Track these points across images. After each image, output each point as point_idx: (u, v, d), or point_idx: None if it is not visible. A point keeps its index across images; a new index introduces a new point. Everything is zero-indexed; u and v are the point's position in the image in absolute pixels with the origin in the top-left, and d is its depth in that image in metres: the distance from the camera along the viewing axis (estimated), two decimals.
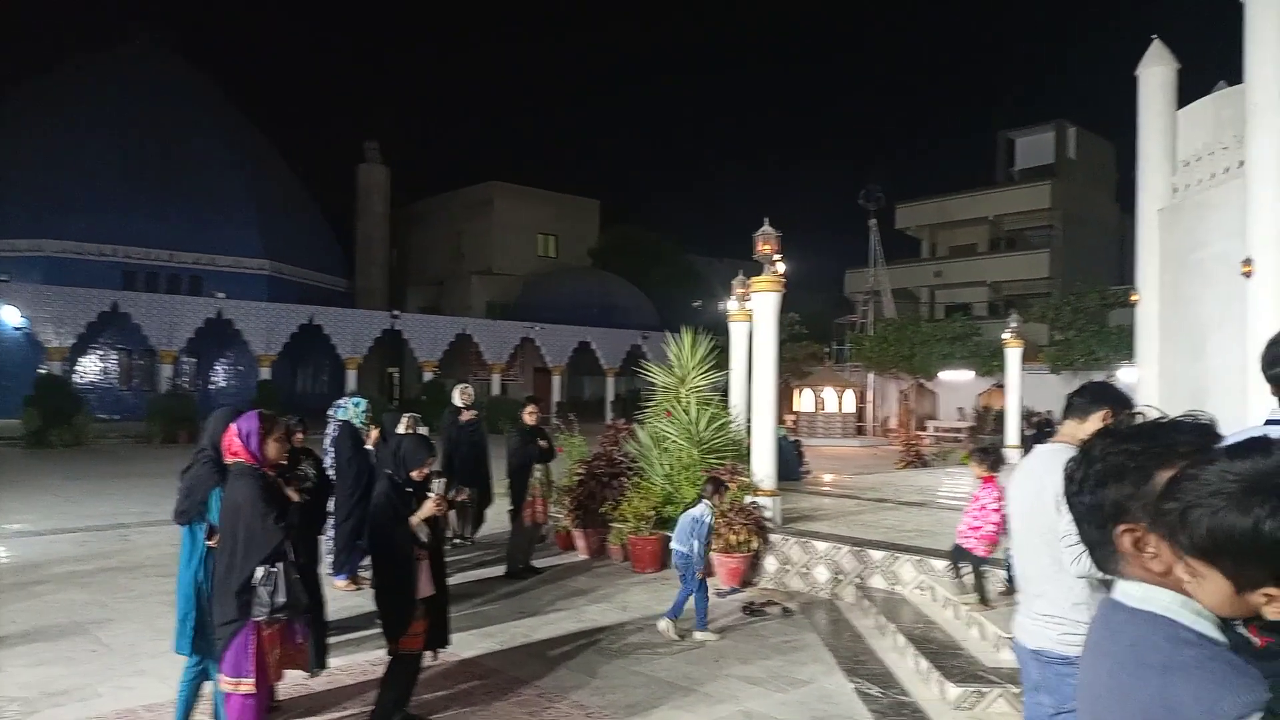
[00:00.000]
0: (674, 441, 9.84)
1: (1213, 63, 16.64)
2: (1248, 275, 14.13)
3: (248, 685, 4.05)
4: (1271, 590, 1.14)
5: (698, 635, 6.62)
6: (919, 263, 42.79)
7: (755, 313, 9.57)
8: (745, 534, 8.26)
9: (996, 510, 6.29)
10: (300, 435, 6.12)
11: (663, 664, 6.05)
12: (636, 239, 46.15)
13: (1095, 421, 3.01)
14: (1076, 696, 1.44)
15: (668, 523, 8.43)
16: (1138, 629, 1.28)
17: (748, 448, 9.54)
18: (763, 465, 9.11)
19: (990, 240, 41.45)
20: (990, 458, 6.69)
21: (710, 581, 7.48)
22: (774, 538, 8.56)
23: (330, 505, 6.57)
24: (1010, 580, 6.80)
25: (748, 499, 8.70)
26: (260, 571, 4.02)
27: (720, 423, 10.24)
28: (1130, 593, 1.32)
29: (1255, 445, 1.19)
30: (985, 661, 5.77)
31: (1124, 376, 24.34)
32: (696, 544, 6.74)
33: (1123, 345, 21.93)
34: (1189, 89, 17.76)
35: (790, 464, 12.74)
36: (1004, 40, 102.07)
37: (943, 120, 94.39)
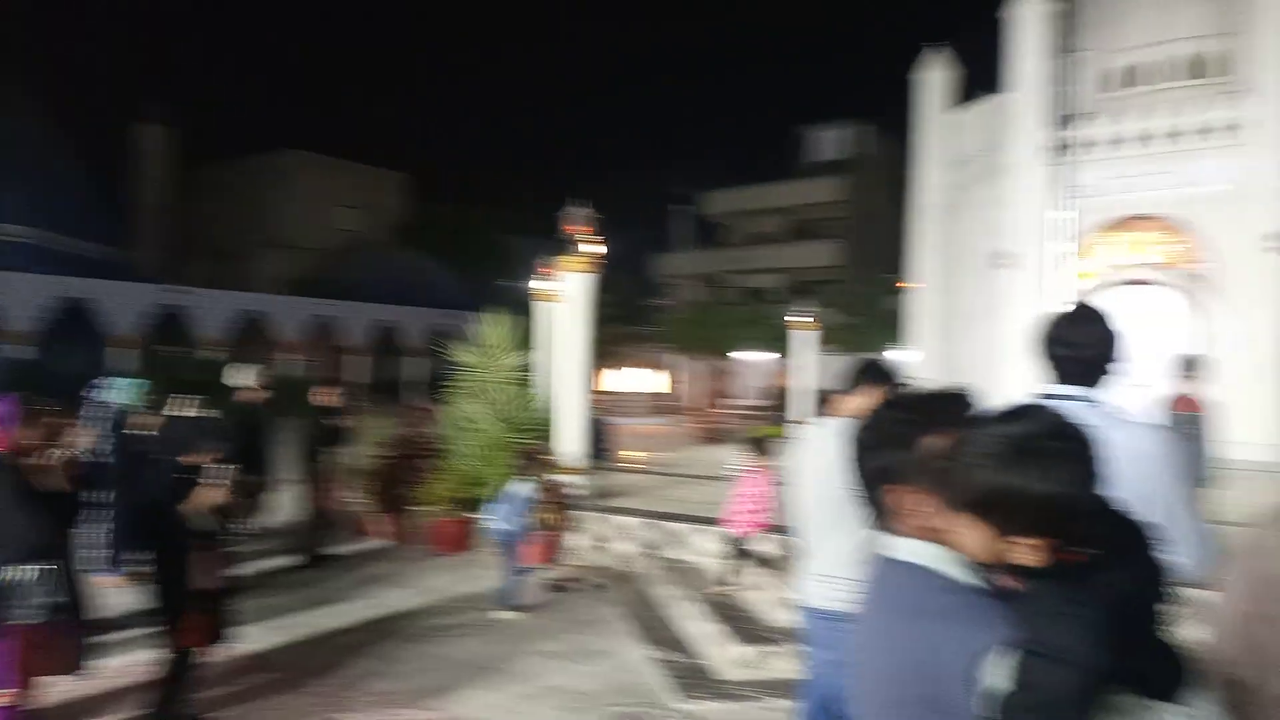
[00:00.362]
0: (481, 421, 9.71)
1: (984, 72, 18.35)
2: (1005, 266, 15.76)
3: (7, 696, 3.65)
4: (1028, 539, 1.27)
5: (503, 614, 6.61)
6: (723, 249, 44.43)
7: (564, 292, 9.59)
8: (554, 512, 8.29)
9: (762, 498, 6.66)
10: (65, 421, 5.52)
11: (465, 646, 5.99)
12: (447, 216, 44.96)
13: (870, 395, 3.23)
14: (852, 647, 1.55)
15: (474, 504, 8.32)
16: (905, 580, 1.40)
17: (557, 427, 9.57)
18: (572, 444, 9.17)
19: (785, 230, 43.66)
20: (760, 446, 7.04)
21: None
22: (583, 515, 8.65)
23: (96, 496, 5.97)
24: (786, 551, 7.29)
25: (556, 477, 8.74)
26: (33, 570, 3.63)
27: (529, 402, 10.20)
28: (900, 548, 1.44)
29: (1022, 412, 1.34)
30: (770, 622, 6.17)
31: (894, 357, 26.42)
32: (520, 520, 6.74)
33: (898, 329, 23.77)
34: (962, 95, 19.45)
35: (600, 443, 12.92)
36: (807, 39, 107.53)
37: (748, 113, 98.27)
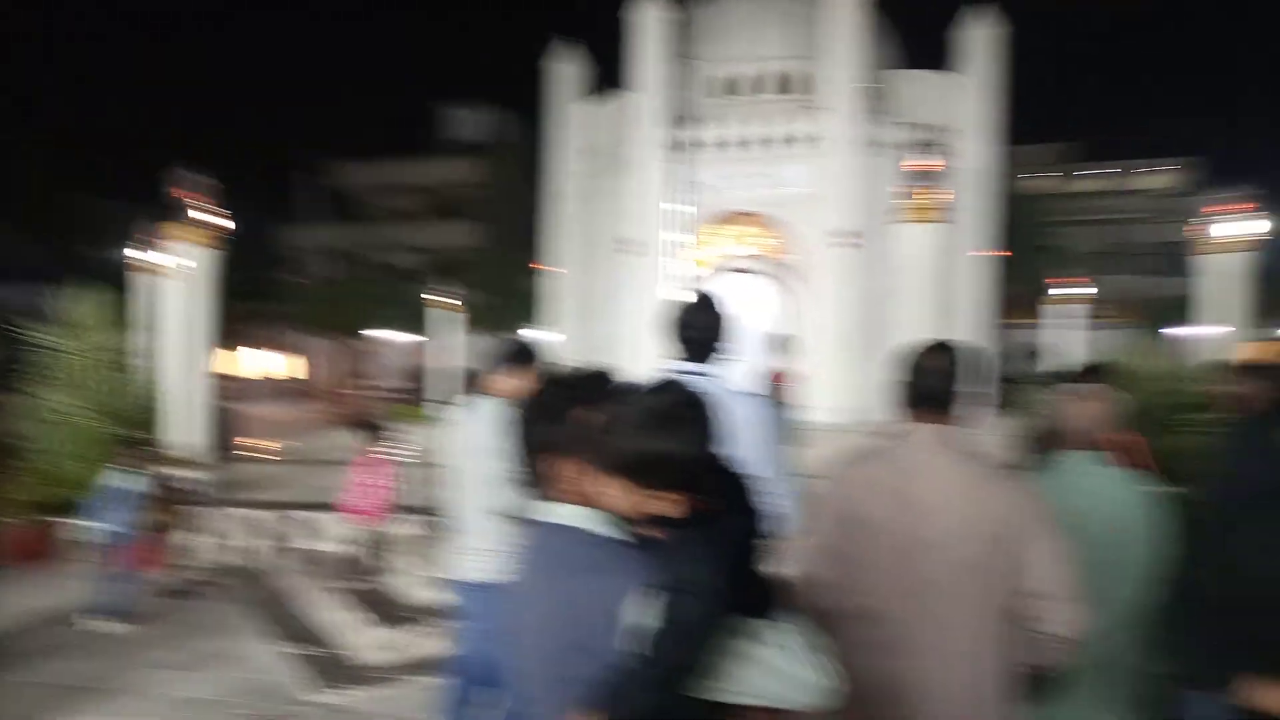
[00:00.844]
0: (71, 412, 8.43)
1: (611, 62, 19.46)
2: (632, 254, 16.99)
3: None
4: (670, 494, 1.47)
5: (106, 627, 5.85)
6: (362, 224, 42.63)
7: (174, 266, 8.62)
8: (164, 511, 7.45)
9: (375, 484, 6.57)
10: None
11: (62, 667, 5.22)
12: (16, 173, 37.79)
13: (519, 375, 3.36)
14: (506, 612, 1.66)
15: (64, 508, 7.23)
16: (554, 540, 1.55)
17: (168, 415, 8.60)
18: (187, 434, 8.31)
19: (425, 208, 43.00)
20: (372, 432, 6.92)
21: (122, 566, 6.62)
22: (203, 511, 7.89)
23: None
24: (427, 530, 7.31)
25: (168, 471, 7.85)
26: None
27: (130, 389, 9.03)
28: (554, 512, 1.58)
29: (660, 387, 1.55)
30: (412, 602, 6.15)
31: (536, 338, 27.33)
32: (124, 521, 5.96)
33: (536, 311, 24.55)
34: (596, 87, 20.46)
35: (225, 432, 11.82)
36: (446, 17, 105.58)
37: (390, 88, 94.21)
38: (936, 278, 12.26)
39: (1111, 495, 2.60)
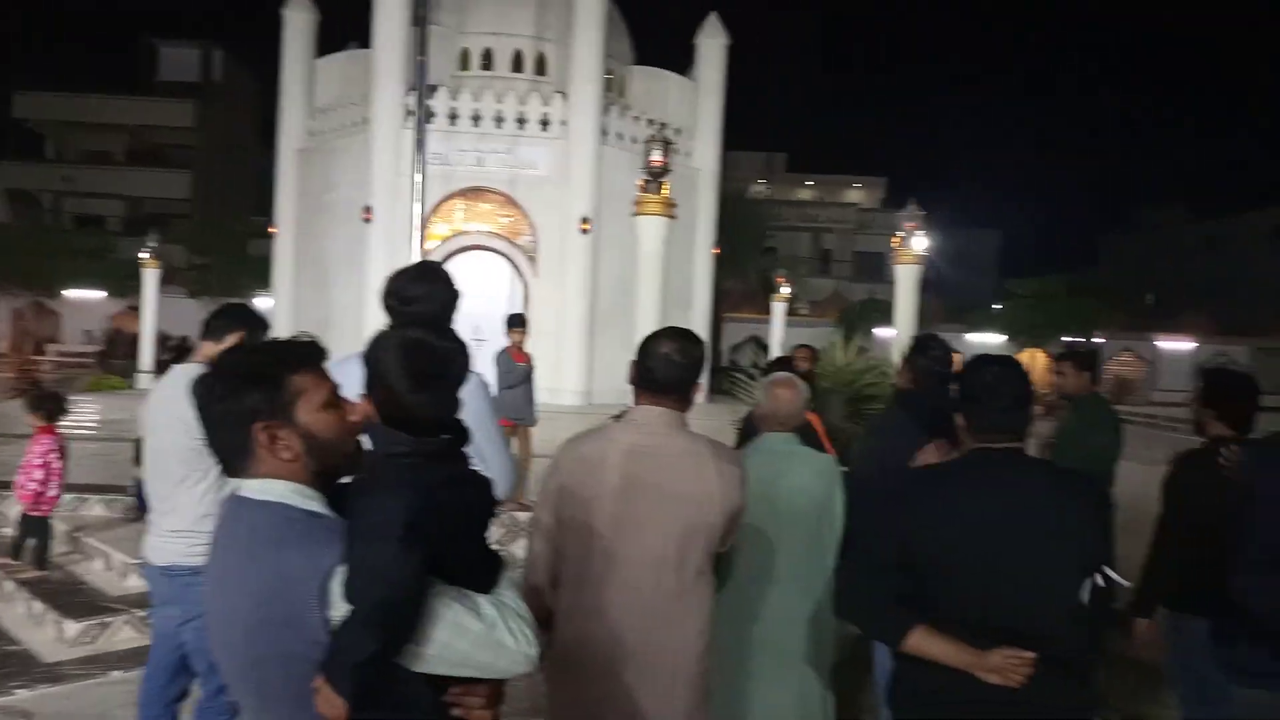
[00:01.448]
0: None
1: (352, 20, 18.42)
2: (367, 221, 16.28)
3: None
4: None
5: None
6: (45, 163, 37.23)
7: None
8: None
9: (51, 465, 5.83)
10: None
11: None
12: None
13: (231, 342, 3.17)
14: (204, 595, 1.58)
15: None
16: (256, 516, 1.48)
17: None
18: None
19: (129, 151, 38.40)
20: (48, 405, 6.07)
21: None
22: None
23: None
24: (122, 513, 6.68)
25: None
26: None
27: None
28: (252, 487, 1.51)
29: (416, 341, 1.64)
30: (110, 592, 5.60)
31: (260, 304, 25.47)
32: None
33: (261, 274, 22.90)
34: (329, 40, 19.30)
35: None
36: None
37: (77, 10, 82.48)
38: (672, 269, 12.94)
39: (800, 472, 2.96)
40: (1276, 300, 38.62)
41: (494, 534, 6.64)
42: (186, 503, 3.08)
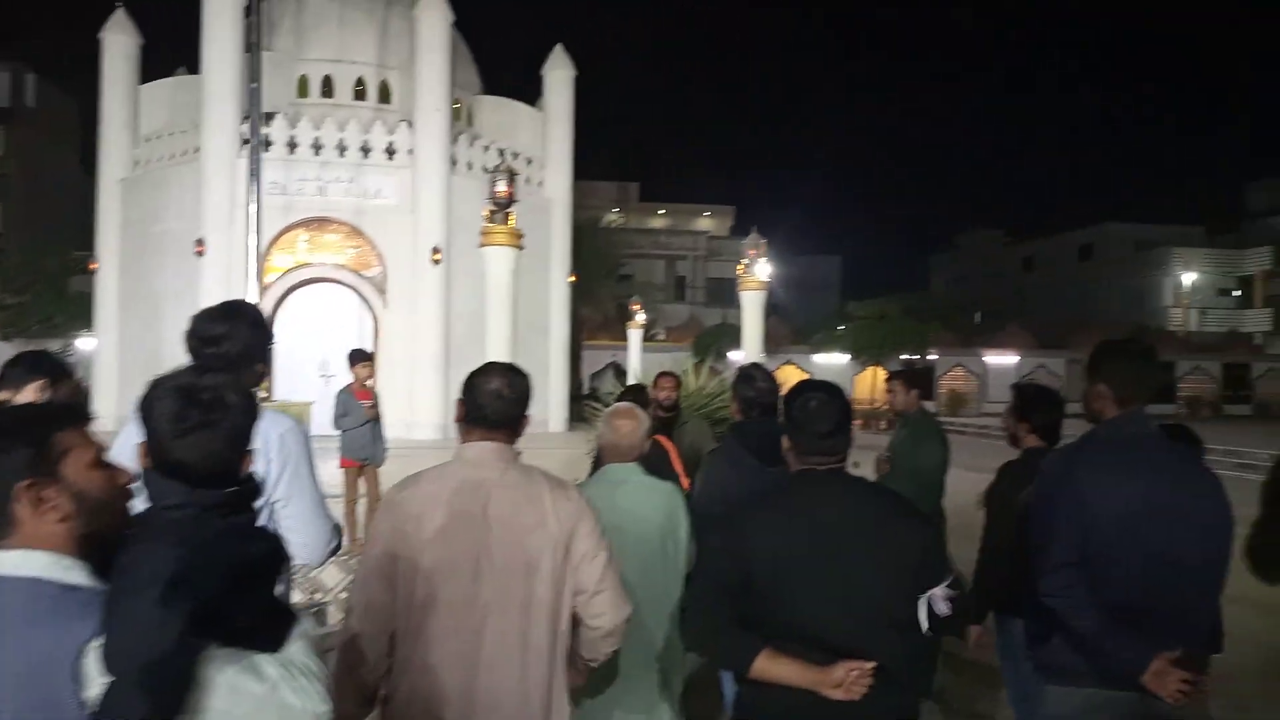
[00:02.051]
0: None
1: (179, 44, 17.46)
2: (200, 254, 15.40)
3: None
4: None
5: None
6: None
7: None
8: None
9: None
10: None
11: None
12: None
13: (31, 392, 2.91)
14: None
15: None
16: (6, 595, 1.33)
17: None
18: None
19: None
20: None
21: None
22: None
23: None
24: None
25: None
26: None
27: None
28: (8, 561, 1.35)
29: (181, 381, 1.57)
30: None
31: (83, 345, 23.63)
32: None
33: (84, 312, 21.25)
34: (154, 65, 18.25)
35: None
36: None
37: None
38: (528, 298, 12.86)
39: (641, 501, 2.97)
40: (1085, 315, 42.29)
41: (332, 580, 6.35)
42: None
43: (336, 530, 2.48)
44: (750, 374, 3.74)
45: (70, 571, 1.37)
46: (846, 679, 2.00)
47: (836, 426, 2.23)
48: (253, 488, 1.57)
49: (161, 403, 1.50)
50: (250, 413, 1.59)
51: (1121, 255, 45.66)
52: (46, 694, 1.29)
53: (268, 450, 2.27)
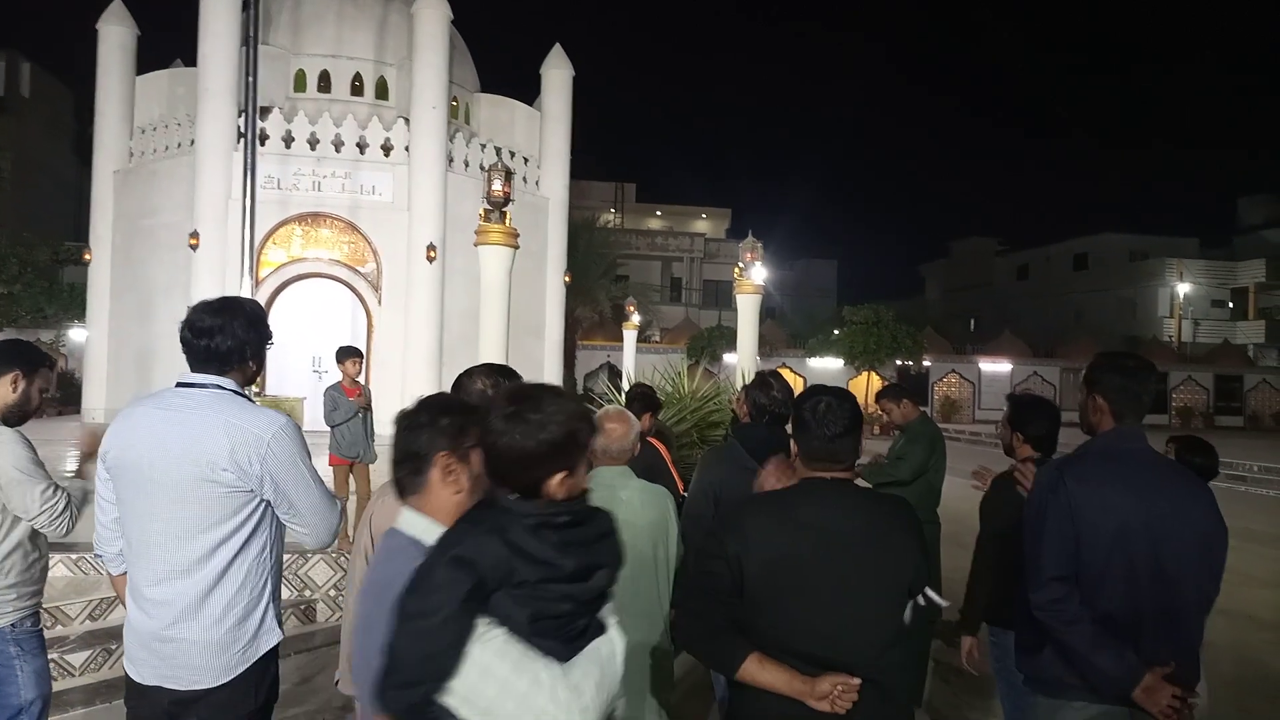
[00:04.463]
0: None
1: (176, 36, 17.35)
2: (194, 247, 15.32)
3: None
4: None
5: None
6: None
7: None
8: None
9: None
10: None
11: None
12: None
13: (5, 385, 2.87)
14: (358, 617, 1.82)
15: None
16: (398, 543, 1.72)
17: None
18: None
19: None
20: None
21: None
22: None
23: None
24: None
25: None
26: None
27: None
28: (406, 519, 1.77)
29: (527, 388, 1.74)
30: None
31: (75, 336, 23.51)
32: None
33: (75, 304, 21.13)
34: (150, 57, 18.16)
35: None
36: None
37: None
38: (523, 297, 12.81)
39: (631, 503, 2.94)
40: (1078, 323, 42.41)
41: (322, 578, 6.30)
42: None
43: (338, 509, 2.49)
44: (767, 381, 3.71)
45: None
46: (832, 692, 1.98)
47: (845, 430, 2.21)
48: (573, 509, 1.70)
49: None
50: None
51: (1116, 265, 45.80)
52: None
53: (252, 451, 2.25)
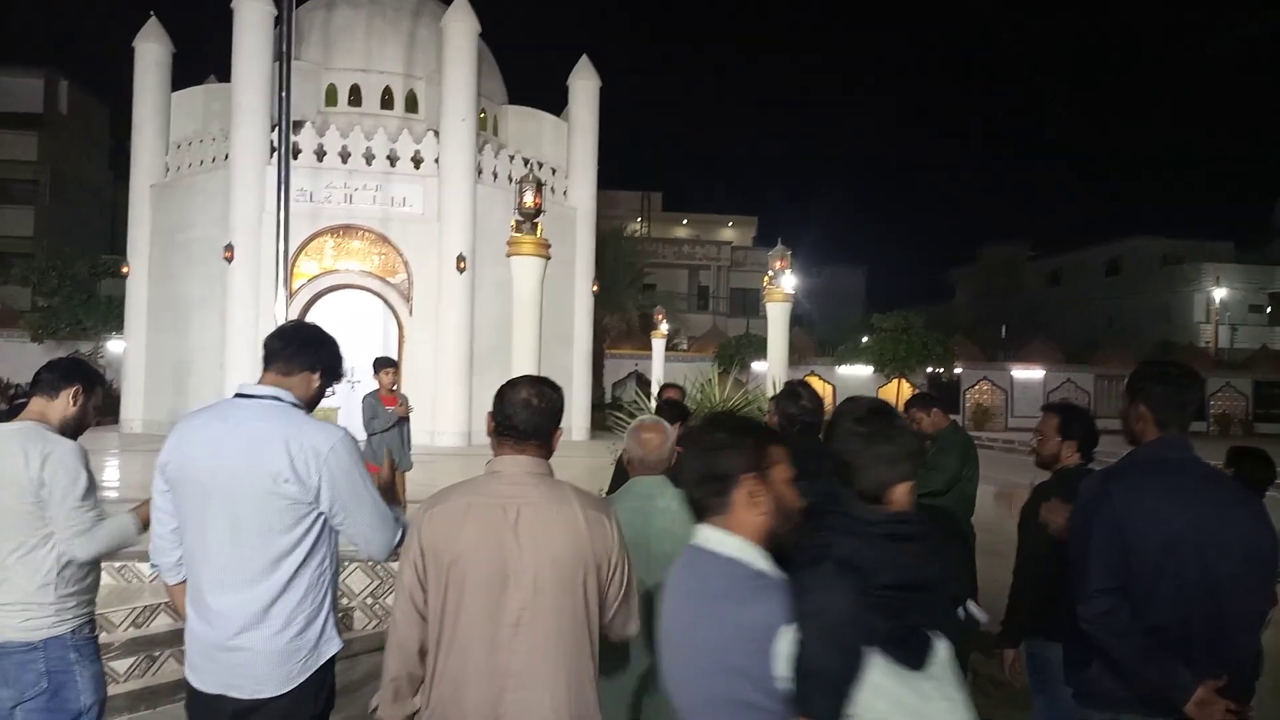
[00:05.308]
0: None
1: (210, 53, 17.65)
2: (229, 260, 15.56)
3: None
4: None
5: None
6: None
7: None
8: None
9: None
10: None
11: None
12: None
13: (65, 399, 2.93)
14: (663, 630, 1.81)
15: None
16: (707, 568, 1.72)
17: None
18: None
19: None
20: None
21: None
22: None
23: None
24: None
25: None
26: None
27: None
28: (709, 538, 1.76)
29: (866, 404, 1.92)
30: None
31: (113, 348, 23.92)
32: None
33: (113, 316, 21.51)
34: (185, 73, 18.49)
35: None
36: None
37: None
38: (552, 307, 12.84)
39: (670, 514, 2.94)
40: (1113, 330, 41.81)
41: (359, 586, 6.35)
42: (21, 573, 2.81)
43: (400, 525, 2.52)
44: (797, 391, 3.69)
45: (759, 559, 1.71)
46: None
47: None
48: (915, 516, 1.79)
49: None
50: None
51: (1150, 270, 45.15)
52: (736, 662, 1.61)
53: (311, 464, 2.30)
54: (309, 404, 2.53)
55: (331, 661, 2.43)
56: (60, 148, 36.05)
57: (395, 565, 6.17)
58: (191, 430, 2.43)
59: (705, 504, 1.81)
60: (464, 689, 2.10)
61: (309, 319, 15.45)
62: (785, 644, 1.58)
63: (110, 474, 11.15)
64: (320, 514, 2.37)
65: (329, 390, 2.65)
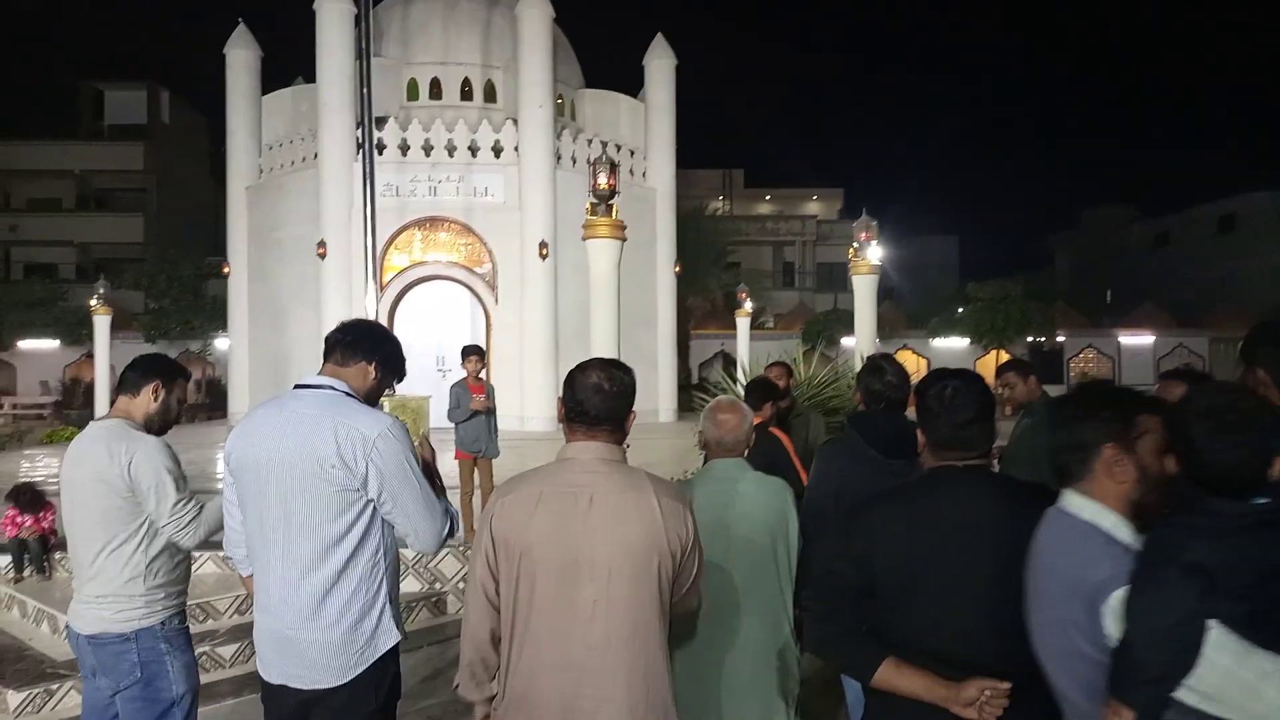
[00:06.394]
0: None
1: (296, 55, 18.16)
2: (322, 256, 16.03)
3: None
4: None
5: None
6: None
7: None
8: None
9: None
10: None
11: None
12: None
13: (147, 395, 2.99)
14: (1029, 579, 1.84)
15: None
16: (1058, 528, 1.81)
17: None
18: None
19: (78, 196, 37.75)
20: (23, 497, 6.41)
21: None
22: None
23: None
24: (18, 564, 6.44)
25: None
26: None
27: None
28: (1070, 502, 1.83)
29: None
30: (56, 657, 5.32)
31: (220, 345, 25.04)
32: None
33: (219, 315, 22.51)
34: (274, 76, 19.08)
35: None
36: None
37: (19, 57, 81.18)
38: (634, 289, 12.85)
39: (749, 497, 2.84)
40: (1226, 291, 39.46)
41: (451, 570, 6.42)
42: (111, 567, 2.90)
43: (449, 516, 2.50)
44: (880, 365, 3.50)
45: (1118, 527, 1.76)
46: (979, 698, 1.83)
47: (976, 415, 2.06)
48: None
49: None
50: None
51: (1267, 227, 42.35)
52: (1071, 615, 1.72)
53: (358, 450, 2.29)
54: (367, 396, 2.52)
55: (393, 653, 2.42)
56: (164, 156, 37.78)
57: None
58: (252, 422, 2.46)
59: (1069, 469, 1.87)
60: (538, 680, 2.06)
61: (400, 311, 15.81)
62: (1116, 603, 1.66)
63: (220, 465, 11.64)
64: (369, 501, 2.36)
65: (389, 388, 2.64)
